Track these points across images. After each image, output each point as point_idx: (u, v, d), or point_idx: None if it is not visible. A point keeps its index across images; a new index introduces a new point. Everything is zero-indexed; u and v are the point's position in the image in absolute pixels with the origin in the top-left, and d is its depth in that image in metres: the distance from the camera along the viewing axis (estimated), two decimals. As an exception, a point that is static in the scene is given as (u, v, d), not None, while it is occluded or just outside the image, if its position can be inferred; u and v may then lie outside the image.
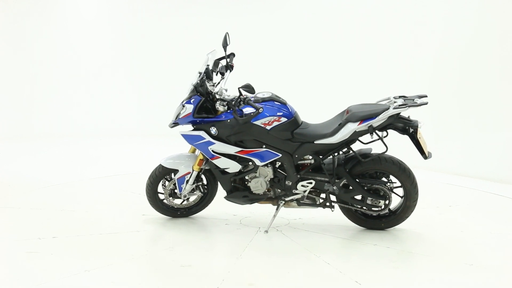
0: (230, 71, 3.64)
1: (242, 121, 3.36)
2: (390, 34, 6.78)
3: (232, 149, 3.45)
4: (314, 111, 5.06)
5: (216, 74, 3.63)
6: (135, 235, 3.54)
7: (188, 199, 3.81)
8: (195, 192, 3.76)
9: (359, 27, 7.16)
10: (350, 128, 3.29)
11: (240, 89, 3.34)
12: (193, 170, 3.66)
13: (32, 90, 8.58)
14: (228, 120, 3.41)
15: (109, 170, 5.64)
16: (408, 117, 3.37)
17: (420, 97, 3.32)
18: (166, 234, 3.57)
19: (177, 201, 3.83)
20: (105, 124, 8.96)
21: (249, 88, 3.34)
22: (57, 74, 8.73)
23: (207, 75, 3.49)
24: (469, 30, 5.93)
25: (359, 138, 3.43)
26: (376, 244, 3.33)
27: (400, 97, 3.36)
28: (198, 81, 3.49)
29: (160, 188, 3.79)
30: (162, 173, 3.74)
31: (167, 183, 3.75)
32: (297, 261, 3.05)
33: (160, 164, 3.72)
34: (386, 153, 3.39)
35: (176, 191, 3.73)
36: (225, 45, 3.58)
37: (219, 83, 3.58)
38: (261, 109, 3.30)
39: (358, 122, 3.28)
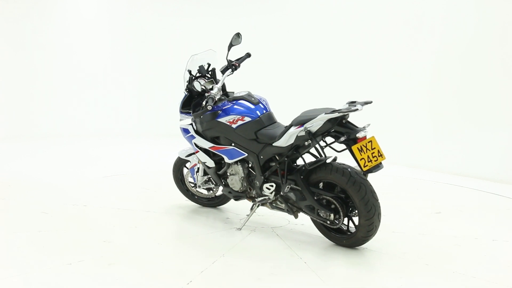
0: (233, 71, 3.69)
1: (194, 116, 3.50)
2: (390, 34, 6.78)
3: (207, 144, 3.59)
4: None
5: (221, 72, 3.71)
6: (140, 213, 3.84)
7: (211, 189, 3.98)
8: (209, 184, 3.91)
9: (358, 28, 7.15)
10: (291, 132, 3.12)
11: (189, 86, 3.58)
12: (198, 162, 3.82)
13: (32, 90, 8.56)
14: (200, 116, 3.52)
15: (109, 170, 5.64)
16: (366, 126, 3.01)
17: (366, 103, 2.96)
18: (158, 217, 3.83)
19: (204, 191, 4.07)
20: (105, 124, 8.96)
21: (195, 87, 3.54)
22: (57, 74, 8.72)
23: (200, 72, 3.65)
24: (469, 30, 5.93)
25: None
26: (308, 260, 3.00)
27: (351, 102, 3.01)
28: (188, 79, 3.66)
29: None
30: (179, 163, 4.04)
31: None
32: (200, 254, 3.03)
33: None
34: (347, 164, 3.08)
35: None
36: (230, 46, 3.67)
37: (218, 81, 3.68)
38: (209, 106, 3.33)
39: (297, 126, 3.09)
